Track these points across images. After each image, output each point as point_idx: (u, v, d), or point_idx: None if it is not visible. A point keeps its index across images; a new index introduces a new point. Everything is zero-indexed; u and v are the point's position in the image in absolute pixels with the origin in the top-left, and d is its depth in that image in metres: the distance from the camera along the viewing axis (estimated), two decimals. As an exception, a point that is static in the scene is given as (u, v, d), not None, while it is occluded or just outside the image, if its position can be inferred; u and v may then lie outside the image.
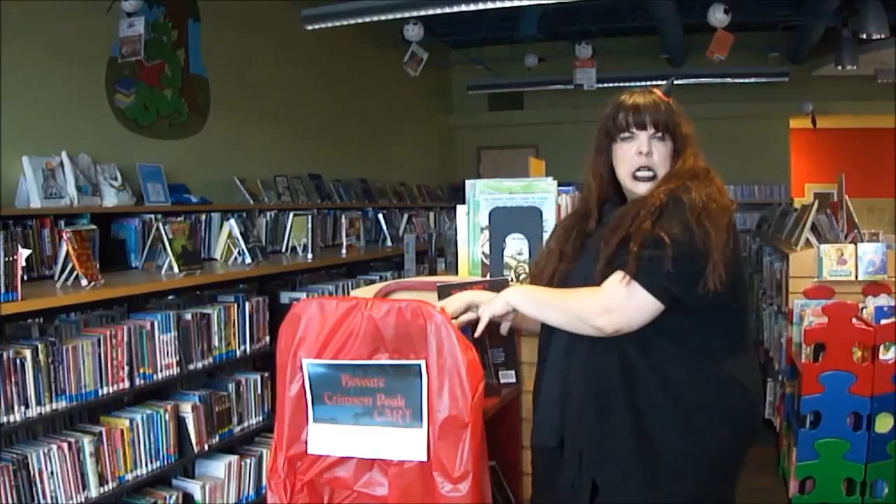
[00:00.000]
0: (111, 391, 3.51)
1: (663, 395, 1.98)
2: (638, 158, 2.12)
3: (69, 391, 3.30)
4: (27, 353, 3.12)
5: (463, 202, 2.84)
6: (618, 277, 1.95)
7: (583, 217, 2.23)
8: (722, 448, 2.03)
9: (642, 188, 2.12)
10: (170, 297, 4.33)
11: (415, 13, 6.52)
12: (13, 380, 3.07)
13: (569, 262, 2.17)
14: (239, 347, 4.32)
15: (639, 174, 2.12)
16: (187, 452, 3.86)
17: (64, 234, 3.63)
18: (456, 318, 2.14)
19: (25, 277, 3.37)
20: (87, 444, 3.33)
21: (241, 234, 4.83)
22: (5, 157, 4.49)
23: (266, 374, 4.42)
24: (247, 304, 4.38)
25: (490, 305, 2.10)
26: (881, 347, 3.64)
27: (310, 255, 5.51)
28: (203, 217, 5.59)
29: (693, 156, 2.12)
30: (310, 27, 6.56)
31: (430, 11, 6.35)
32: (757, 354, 6.66)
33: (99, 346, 3.45)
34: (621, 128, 2.14)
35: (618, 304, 1.95)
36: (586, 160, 2.25)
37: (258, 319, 4.48)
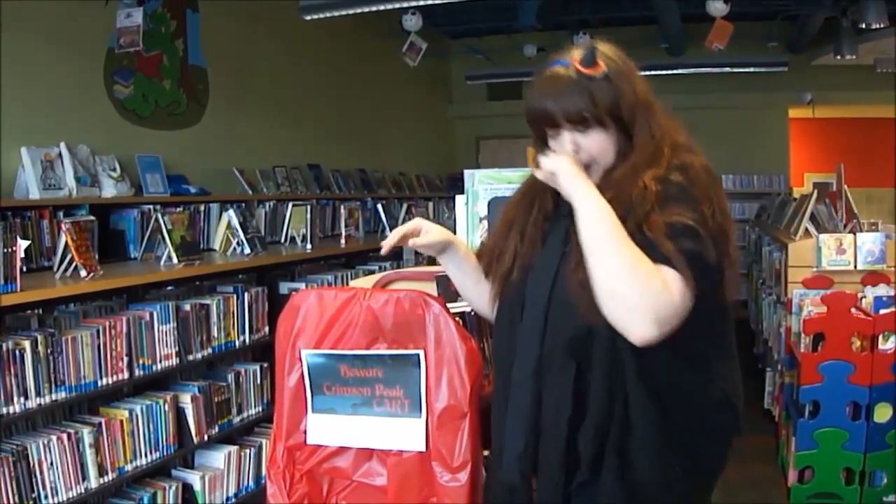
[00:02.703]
0: (110, 382, 3.51)
1: (651, 410, 1.63)
2: None
3: (68, 382, 3.30)
4: (26, 344, 3.12)
5: (462, 192, 2.83)
6: (677, 278, 1.55)
7: (542, 191, 1.80)
8: (702, 465, 1.76)
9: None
10: (169, 288, 4.33)
11: (413, 3, 6.48)
12: (12, 371, 3.07)
13: (529, 247, 1.79)
14: (238, 338, 4.32)
15: None
16: (187, 443, 3.87)
17: (63, 226, 3.63)
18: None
19: (24, 269, 3.37)
20: (87, 434, 3.33)
21: (240, 224, 4.83)
22: (4, 148, 4.48)
23: (265, 365, 4.42)
24: (246, 295, 4.38)
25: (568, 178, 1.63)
26: (880, 337, 3.64)
27: (309, 246, 5.51)
28: (202, 208, 5.59)
29: (648, 130, 1.71)
30: (308, 17, 6.53)
31: (429, 1, 6.33)
32: (755, 345, 6.68)
33: (98, 337, 3.45)
34: (538, 132, 1.77)
35: (672, 313, 1.54)
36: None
37: (257, 310, 4.48)
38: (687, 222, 1.57)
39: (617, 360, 1.61)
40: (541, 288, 1.72)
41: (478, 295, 1.98)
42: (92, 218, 4.37)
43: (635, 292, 1.54)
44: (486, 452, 2.24)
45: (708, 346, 1.70)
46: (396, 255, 6.24)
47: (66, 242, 3.60)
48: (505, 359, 1.79)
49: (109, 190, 4.87)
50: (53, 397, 3.24)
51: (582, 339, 1.64)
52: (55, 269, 3.71)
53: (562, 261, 1.70)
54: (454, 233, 2.87)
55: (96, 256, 3.79)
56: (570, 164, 1.67)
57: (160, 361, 3.79)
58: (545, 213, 1.82)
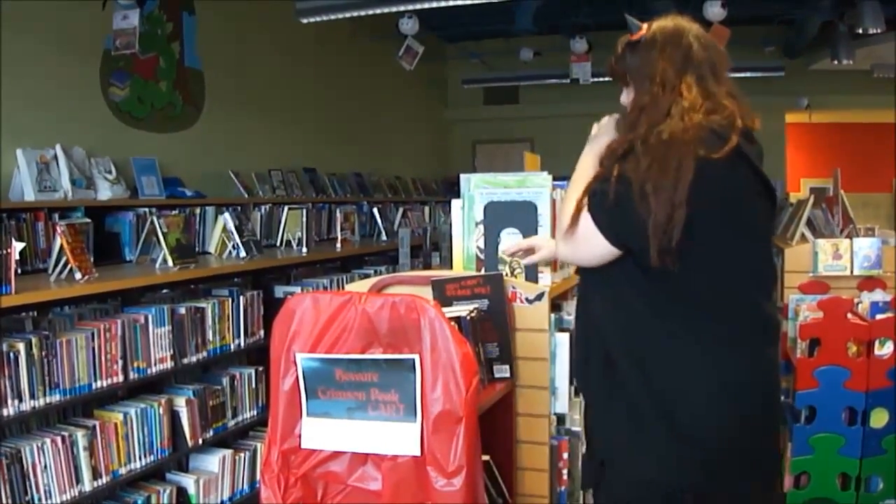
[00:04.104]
0: (105, 385, 3.51)
1: (637, 371, 1.97)
2: None
3: (63, 385, 3.29)
4: (21, 346, 3.11)
5: (458, 196, 2.83)
6: (580, 209, 1.97)
7: None
8: (682, 430, 1.94)
9: None
10: (164, 291, 4.32)
11: (410, 7, 6.48)
12: (7, 373, 3.06)
13: None
14: (233, 341, 4.32)
15: None
16: (181, 446, 3.86)
17: (58, 228, 3.62)
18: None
19: (19, 271, 3.36)
20: (81, 437, 3.32)
21: (236, 227, 4.82)
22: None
23: (260, 369, 4.42)
24: (241, 298, 4.37)
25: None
26: (876, 342, 3.64)
27: (304, 249, 5.50)
28: (197, 211, 5.57)
29: (642, 98, 2.03)
30: (305, 20, 6.53)
31: (426, 5, 6.32)
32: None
33: (93, 339, 3.44)
34: None
35: (572, 235, 1.98)
36: None
37: (252, 313, 4.47)
38: (614, 172, 1.91)
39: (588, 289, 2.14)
40: None
41: None
42: (87, 220, 4.36)
43: (559, 217, 2.08)
44: (485, 458, 2.24)
45: (645, 308, 1.95)
46: (392, 259, 6.24)
47: (61, 245, 3.59)
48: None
49: (105, 192, 4.86)
50: (48, 400, 3.23)
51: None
52: (50, 271, 3.70)
53: None
54: (450, 236, 2.88)
55: (91, 259, 3.79)
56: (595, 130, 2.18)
57: (155, 364, 3.78)
58: None
